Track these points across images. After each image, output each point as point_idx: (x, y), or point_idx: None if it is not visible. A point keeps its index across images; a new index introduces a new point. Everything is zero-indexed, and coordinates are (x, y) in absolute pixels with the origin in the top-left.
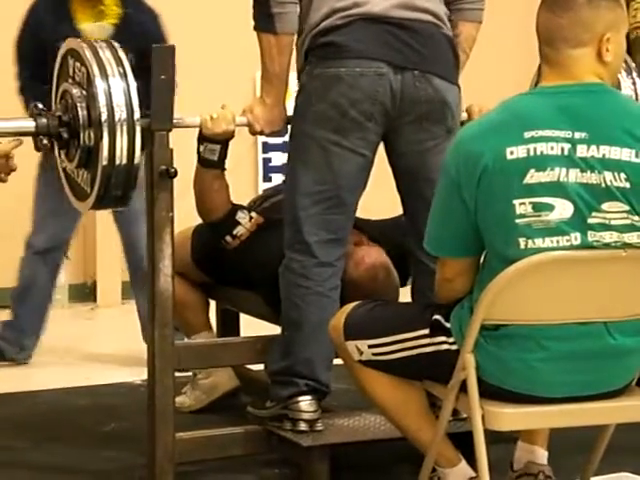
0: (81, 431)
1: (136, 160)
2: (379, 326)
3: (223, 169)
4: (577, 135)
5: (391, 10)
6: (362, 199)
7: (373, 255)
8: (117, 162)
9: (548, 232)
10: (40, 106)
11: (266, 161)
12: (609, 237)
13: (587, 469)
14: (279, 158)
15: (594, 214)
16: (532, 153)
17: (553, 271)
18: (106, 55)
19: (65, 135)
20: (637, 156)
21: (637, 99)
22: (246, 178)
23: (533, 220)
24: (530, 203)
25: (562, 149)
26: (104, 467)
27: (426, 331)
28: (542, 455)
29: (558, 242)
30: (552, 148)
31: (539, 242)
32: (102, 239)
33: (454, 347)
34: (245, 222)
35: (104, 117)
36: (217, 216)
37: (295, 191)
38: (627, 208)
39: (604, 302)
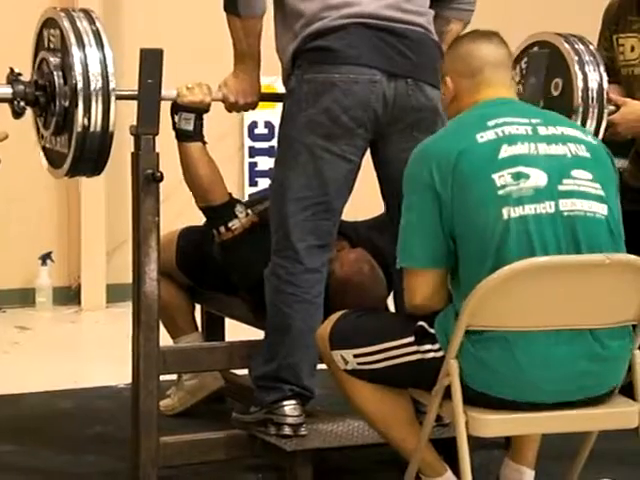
0: (65, 434)
1: (110, 127)
2: (364, 335)
3: (204, 142)
4: (533, 121)
5: (382, 10)
6: (359, 201)
7: (356, 252)
8: (91, 129)
9: (528, 199)
10: (17, 71)
11: (252, 165)
12: (580, 205)
13: (570, 476)
14: (265, 162)
15: (565, 181)
16: (501, 134)
17: (536, 278)
18: (83, 25)
19: (42, 99)
20: (586, 136)
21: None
22: (232, 183)
23: (514, 189)
24: (508, 174)
25: (526, 130)
26: (88, 471)
27: (411, 339)
28: (530, 477)
29: (536, 209)
30: (517, 129)
31: (519, 210)
32: (87, 242)
33: (440, 354)
34: (242, 216)
35: (80, 85)
36: (214, 199)
37: (283, 196)
38: (590, 177)
39: (588, 309)
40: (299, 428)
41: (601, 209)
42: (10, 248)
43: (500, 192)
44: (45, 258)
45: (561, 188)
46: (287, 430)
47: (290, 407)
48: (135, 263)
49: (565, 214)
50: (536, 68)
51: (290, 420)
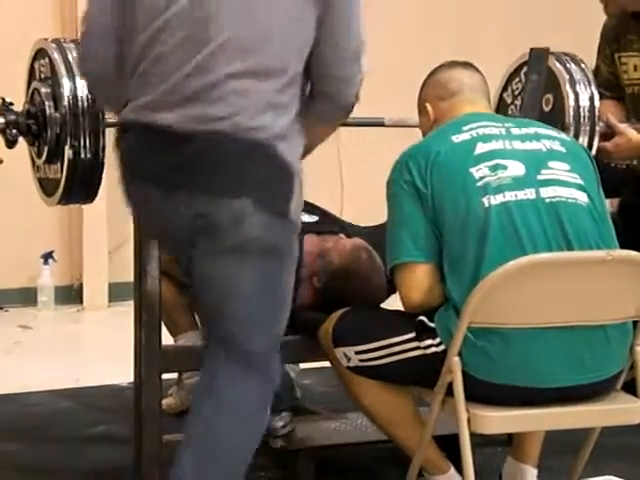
0: (68, 433)
1: (101, 156)
2: (365, 332)
3: None
4: (506, 125)
5: (167, 108)
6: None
7: (353, 241)
8: (82, 158)
9: (507, 187)
10: (8, 100)
11: None
12: (561, 192)
13: (573, 472)
14: None
15: (543, 171)
16: (475, 134)
17: (538, 274)
18: (74, 55)
19: (34, 127)
20: (559, 134)
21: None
22: None
23: (492, 179)
24: (486, 166)
25: (499, 130)
26: (91, 469)
27: (412, 335)
28: (532, 475)
29: (517, 196)
30: (491, 130)
31: (500, 197)
32: (89, 241)
33: (441, 348)
34: None
35: (69, 116)
36: None
37: None
38: (568, 167)
39: (590, 305)
40: (288, 441)
41: (581, 196)
42: (12, 247)
43: (479, 184)
44: (47, 257)
45: (540, 177)
46: (278, 443)
47: (275, 419)
48: (136, 261)
49: (547, 201)
50: (537, 65)
51: (279, 432)
